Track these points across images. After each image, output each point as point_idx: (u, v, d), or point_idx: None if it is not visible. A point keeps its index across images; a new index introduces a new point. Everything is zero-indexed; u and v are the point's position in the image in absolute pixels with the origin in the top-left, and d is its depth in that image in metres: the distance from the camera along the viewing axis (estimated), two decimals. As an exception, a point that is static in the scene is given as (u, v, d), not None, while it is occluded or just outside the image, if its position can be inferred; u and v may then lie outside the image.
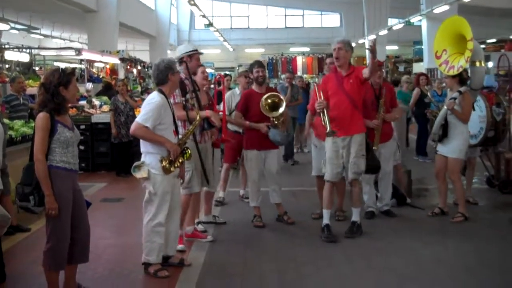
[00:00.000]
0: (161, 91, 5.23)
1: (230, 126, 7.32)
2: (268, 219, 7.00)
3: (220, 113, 6.52)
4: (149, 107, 5.11)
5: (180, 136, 5.41)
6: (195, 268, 5.41)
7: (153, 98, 5.19)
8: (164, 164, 5.08)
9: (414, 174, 8.33)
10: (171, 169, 5.13)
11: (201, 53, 6.35)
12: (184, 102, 5.83)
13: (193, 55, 6.15)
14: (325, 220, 6.37)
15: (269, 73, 29.66)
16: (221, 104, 6.95)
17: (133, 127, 5.16)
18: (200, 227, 6.51)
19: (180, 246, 5.84)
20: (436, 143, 7.07)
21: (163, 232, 5.21)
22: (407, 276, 5.20)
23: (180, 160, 5.23)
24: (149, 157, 5.15)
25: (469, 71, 7.37)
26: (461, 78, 7.00)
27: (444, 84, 7.67)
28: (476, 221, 6.94)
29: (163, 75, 5.25)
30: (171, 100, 5.65)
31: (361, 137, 6.29)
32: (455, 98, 6.80)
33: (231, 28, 38.29)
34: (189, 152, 5.33)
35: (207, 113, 5.98)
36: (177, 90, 5.71)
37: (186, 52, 6.14)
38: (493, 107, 7.41)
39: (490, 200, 8.06)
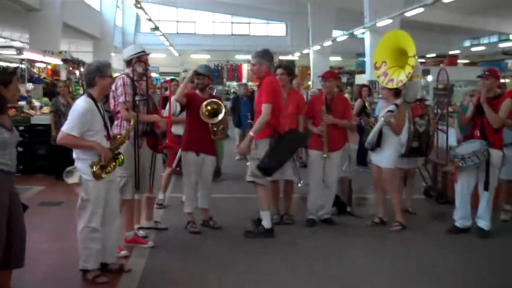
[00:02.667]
0: (89, 95, 5.11)
1: (174, 130, 7.26)
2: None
3: (165, 119, 6.48)
4: (74, 114, 4.98)
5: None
6: (135, 274, 5.33)
7: (78, 104, 5.07)
8: (94, 169, 4.95)
9: (355, 183, 8.47)
10: (102, 175, 5.00)
11: (149, 54, 6.26)
12: (136, 103, 5.79)
13: (142, 57, 6.06)
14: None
15: (214, 80, 29.67)
16: (166, 110, 6.92)
17: (58, 136, 5.02)
18: (141, 232, 6.43)
19: (123, 253, 5.76)
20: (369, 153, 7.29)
21: (99, 237, 5.08)
22: (348, 284, 5.28)
23: (112, 166, 5.06)
24: (81, 163, 5.01)
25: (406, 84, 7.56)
26: (396, 91, 7.21)
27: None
28: (414, 231, 7.12)
29: (91, 77, 5.13)
30: (121, 99, 5.71)
31: (259, 142, 6.49)
32: (391, 111, 6.98)
33: (177, 33, 38.08)
34: (122, 157, 5.17)
35: (154, 117, 5.95)
36: (128, 89, 5.75)
37: (134, 54, 6.04)
38: (415, 119, 7.64)
39: (427, 210, 8.28)
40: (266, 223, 6.63)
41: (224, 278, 5.35)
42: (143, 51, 6.11)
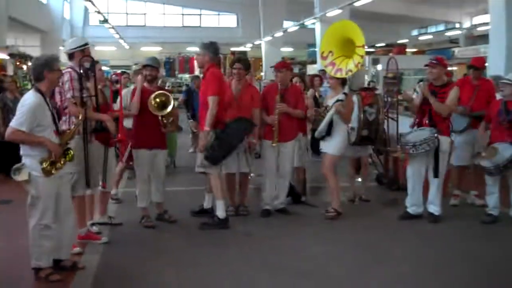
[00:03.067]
0: (38, 90, 4.99)
1: (126, 124, 7.16)
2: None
3: (117, 113, 6.41)
4: (23, 109, 4.85)
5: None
6: (89, 271, 5.27)
7: (27, 99, 4.93)
8: (44, 165, 4.84)
9: (309, 172, 8.55)
10: (52, 171, 4.90)
11: (92, 45, 6.14)
12: (84, 98, 5.68)
13: (85, 50, 5.93)
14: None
15: (166, 72, 29.42)
16: (118, 103, 6.82)
17: (7, 132, 4.88)
18: (94, 228, 6.34)
19: (76, 250, 5.67)
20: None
21: (52, 234, 4.99)
22: (302, 273, 5.33)
23: (63, 161, 4.98)
24: (29, 160, 4.89)
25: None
26: (343, 80, 7.30)
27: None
28: (368, 217, 7.25)
29: (38, 71, 5.02)
30: (69, 94, 5.56)
31: (204, 133, 6.53)
32: (341, 100, 7.05)
33: (127, 26, 37.53)
34: (72, 153, 5.09)
35: (103, 117, 5.91)
36: (75, 84, 5.65)
37: (77, 47, 5.91)
38: (365, 107, 7.75)
39: (380, 197, 8.41)
40: (221, 213, 6.65)
41: (180, 272, 5.33)
42: (86, 44, 5.98)
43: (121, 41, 33.49)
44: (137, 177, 6.90)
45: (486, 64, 12.38)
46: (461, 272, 5.36)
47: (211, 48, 6.74)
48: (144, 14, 39.70)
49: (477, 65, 7.83)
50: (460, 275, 5.30)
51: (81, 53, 5.86)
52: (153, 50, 36.10)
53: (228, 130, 6.64)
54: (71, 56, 5.93)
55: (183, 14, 40.40)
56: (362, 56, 7.12)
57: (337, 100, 7.08)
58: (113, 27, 29.08)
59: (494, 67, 10.63)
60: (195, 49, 35.65)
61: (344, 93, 7.15)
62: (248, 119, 6.98)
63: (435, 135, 6.71)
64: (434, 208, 6.98)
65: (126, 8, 39.01)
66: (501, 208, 6.98)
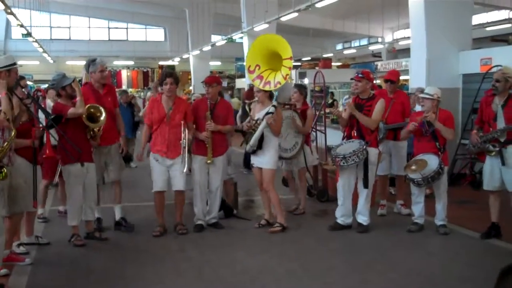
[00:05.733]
0: None
1: (53, 140, 6.98)
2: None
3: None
4: None
5: None
6: (16, 293, 5.11)
7: None
8: None
9: (240, 186, 8.59)
10: None
11: (21, 66, 5.96)
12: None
13: (12, 69, 5.65)
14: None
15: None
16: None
17: None
18: (21, 249, 6.13)
19: (2, 271, 5.46)
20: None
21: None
22: (236, 285, 5.36)
23: None
24: None
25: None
26: (270, 93, 7.40)
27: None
28: (298, 229, 7.34)
29: None
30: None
31: (122, 139, 7.30)
32: (272, 113, 7.12)
33: (51, 39, 36.61)
34: (5, 171, 4.95)
35: (27, 142, 5.79)
36: None
37: (4, 66, 5.59)
38: None
39: (310, 209, 8.52)
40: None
41: (112, 290, 5.25)
42: (14, 63, 5.68)
43: (45, 55, 32.60)
44: (68, 194, 6.68)
45: (408, 78, 12.86)
46: (389, 280, 5.52)
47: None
48: (69, 27, 38.91)
49: (393, 78, 8.16)
50: (388, 283, 5.45)
51: (7, 73, 5.52)
52: (79, 63, 35.35)
53: None
54: None
55: (109, 28, 39.87)
56: (290, 68, 7.23)
57: (268, 113, 7.13)
58: (36, 41, 28.26)
59: (415, 80, 11.02)
60: (123, 62, 35.37)
61: (274, 106, 7.20)
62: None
63: (364, 146, 6.88)
64: (362, 218, 7.16)
65: (50, 21, 38.06)
66: (426, 217, 7.23)
